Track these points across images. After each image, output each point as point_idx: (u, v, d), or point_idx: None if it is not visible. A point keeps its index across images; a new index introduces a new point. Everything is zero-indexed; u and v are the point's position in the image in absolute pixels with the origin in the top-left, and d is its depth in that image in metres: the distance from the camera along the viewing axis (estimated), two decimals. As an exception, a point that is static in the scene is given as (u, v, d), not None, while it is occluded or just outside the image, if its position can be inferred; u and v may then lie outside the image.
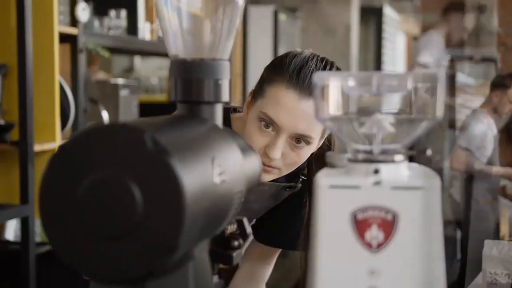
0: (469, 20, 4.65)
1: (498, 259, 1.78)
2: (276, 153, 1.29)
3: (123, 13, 3.23)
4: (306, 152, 1.33)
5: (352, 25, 6.11)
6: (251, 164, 0.81)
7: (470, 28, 4.69)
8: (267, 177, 1.34)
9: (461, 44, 4.77)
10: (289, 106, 1.28)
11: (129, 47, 3.48)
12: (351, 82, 0.67)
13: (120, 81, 3.27)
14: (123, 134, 0.60)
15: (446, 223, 4.50)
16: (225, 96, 0.78)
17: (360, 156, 0.68)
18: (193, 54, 0.78)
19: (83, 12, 2.65)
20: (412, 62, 4.63)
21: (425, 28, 9.25)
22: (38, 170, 2.49)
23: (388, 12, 7.81)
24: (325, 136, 1.37)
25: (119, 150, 0.60)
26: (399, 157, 0.68)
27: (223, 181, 0.67)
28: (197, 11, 0.79)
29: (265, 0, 6.87)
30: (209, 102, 0.77)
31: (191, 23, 0.79)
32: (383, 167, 0.66)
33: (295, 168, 1.36)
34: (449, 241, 4.68)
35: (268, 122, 1.29)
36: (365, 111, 0.69)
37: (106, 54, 2.75)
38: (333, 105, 0.68)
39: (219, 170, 0.67)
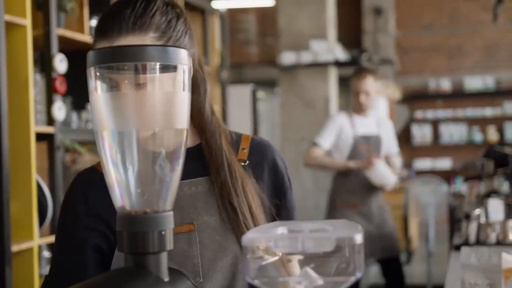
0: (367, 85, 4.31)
1: (478, 268, 1.62)
2: None
3: (101, 105, 3.28)
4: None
5: (330, 97, 6.21)
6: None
7: (374, 94, 4.35)
8: None
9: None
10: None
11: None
12: (279, 243, 0.71)
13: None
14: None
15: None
16: (169, 245, 0.83)
17: (292, 310, 0.72)
18: (137, 206, 0.83)
19: (59, 111, 2.71)
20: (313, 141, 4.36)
21: (406, 90, 9.42)
22: (15, 271, 2.51)
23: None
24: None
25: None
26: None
27: None
28: (140, 166, 0.84)
29: (245, 77, 6.94)
30: (154, 252, 0.81)
31: (135, 177, 0.83)
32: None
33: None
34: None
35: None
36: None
37: (82, 150, 2.80)
38: (263, 263, 0.72)
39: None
